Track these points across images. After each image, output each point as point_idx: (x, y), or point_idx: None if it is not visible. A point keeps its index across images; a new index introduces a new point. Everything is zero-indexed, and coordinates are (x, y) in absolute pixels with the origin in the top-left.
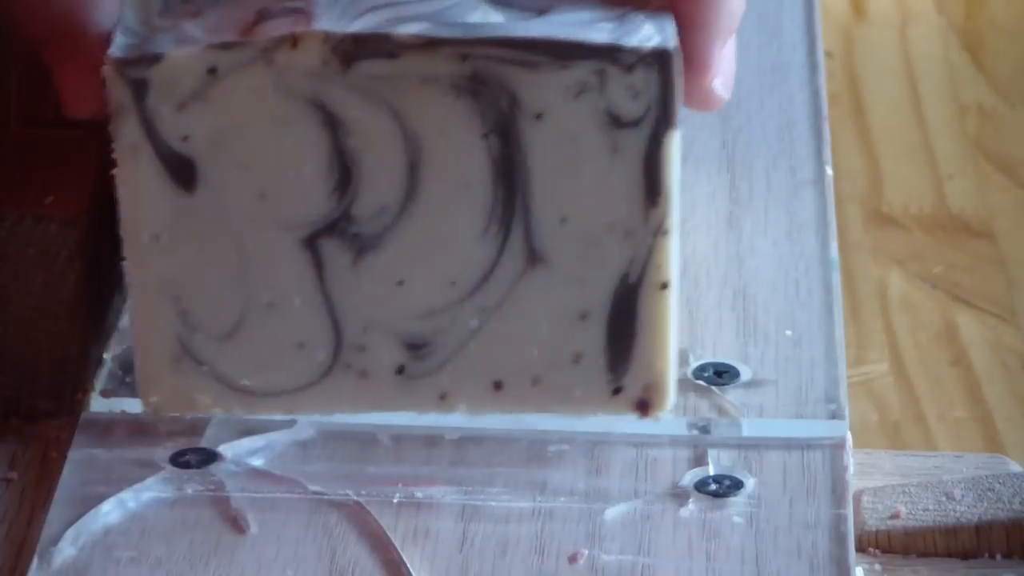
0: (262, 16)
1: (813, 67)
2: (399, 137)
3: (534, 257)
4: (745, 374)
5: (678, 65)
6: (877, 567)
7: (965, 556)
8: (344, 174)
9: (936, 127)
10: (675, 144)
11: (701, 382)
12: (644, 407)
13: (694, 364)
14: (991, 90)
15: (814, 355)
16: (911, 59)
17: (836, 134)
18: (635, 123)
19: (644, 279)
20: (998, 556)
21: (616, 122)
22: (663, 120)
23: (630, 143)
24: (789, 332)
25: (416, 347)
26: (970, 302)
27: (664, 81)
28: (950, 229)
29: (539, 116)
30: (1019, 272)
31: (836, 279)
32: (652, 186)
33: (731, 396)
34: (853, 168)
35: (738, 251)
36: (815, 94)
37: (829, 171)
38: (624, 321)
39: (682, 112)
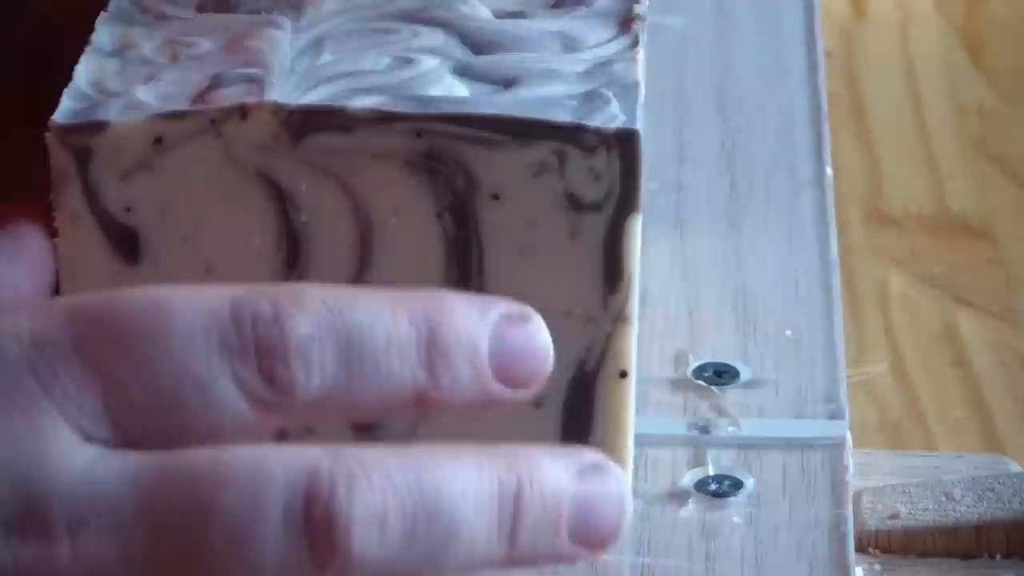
0: (216, 83)
1: (813, 67)
2: (350, 214)
3: None
4: (745, 374)
5: (642, 147)
6: (877, 567)
7: (965, 556)
8: (292, 250)
9: (936, 127)
10: (637, 228)
11: (701, 382)
12: None
13: (694, 364)
14: (991, 90)
15: (814, 355)
16: (911, 59)
17: (836, 134)
18: (596, 206)
19: (602, 367)
20: (998, 556)
21: (576, 205)
22: (625, 203)
23: (590, 227)
24: (789, 332)
25: (364, 430)
26: (970, 302)
27: (627, 163)
28: (950, 229)
29: (496, 196)
30: (1019, 272)
31: (836, 279)
32: (612, 272)
33: (731, 396)
34: (853, 168)
35: (738, 251)
36: (815, 94)
37: (829, 171)
38: (580, 410)
39: (680, 111)
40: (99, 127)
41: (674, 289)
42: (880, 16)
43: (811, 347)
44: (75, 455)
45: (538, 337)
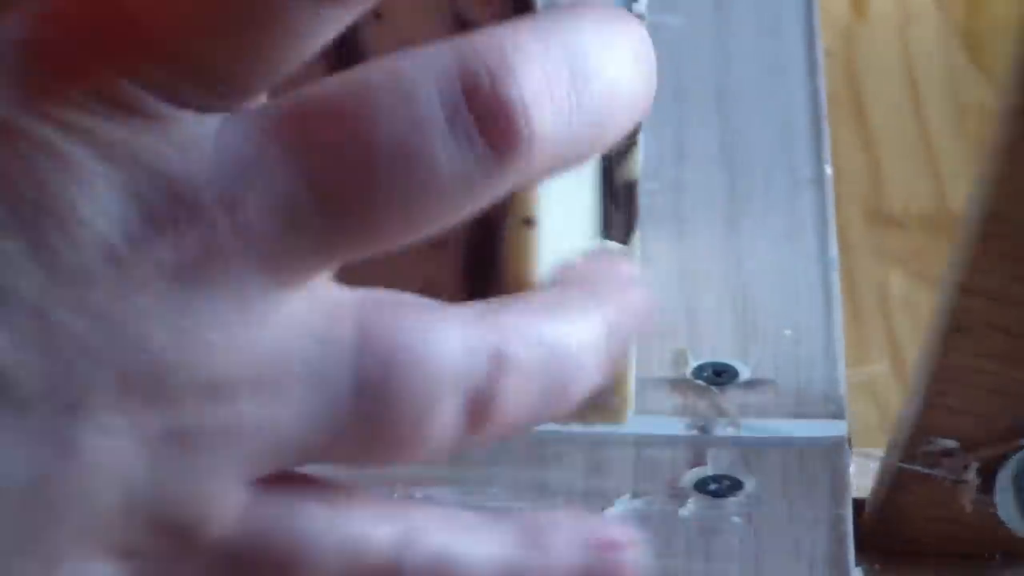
0: None
1: (812, 66)
2: None
3: None
4: (744, 374)
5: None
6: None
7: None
8: None
9: (937, 127)
10: None
11: (700, 382)
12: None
13: (693, 364)
14: (992, 90)
15: (813, 354)
16: (911, 59)
17: (836, 134)
18: None
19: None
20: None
21: None
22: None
23: None
24: (788, 331)
25: None
26: None
27: None
28: (951, 229)
29: None
30: None
31: (835, 278)
32: None
33: (730, 396)
34: (853, 168)
35: (737, 250)
36: (815, 93)
37: (828, 170)
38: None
39: (679, 110)
40: None
41: (673, 289)
42: (880, 16)
43: (810, 346)
44: (201, 138)
45: None
